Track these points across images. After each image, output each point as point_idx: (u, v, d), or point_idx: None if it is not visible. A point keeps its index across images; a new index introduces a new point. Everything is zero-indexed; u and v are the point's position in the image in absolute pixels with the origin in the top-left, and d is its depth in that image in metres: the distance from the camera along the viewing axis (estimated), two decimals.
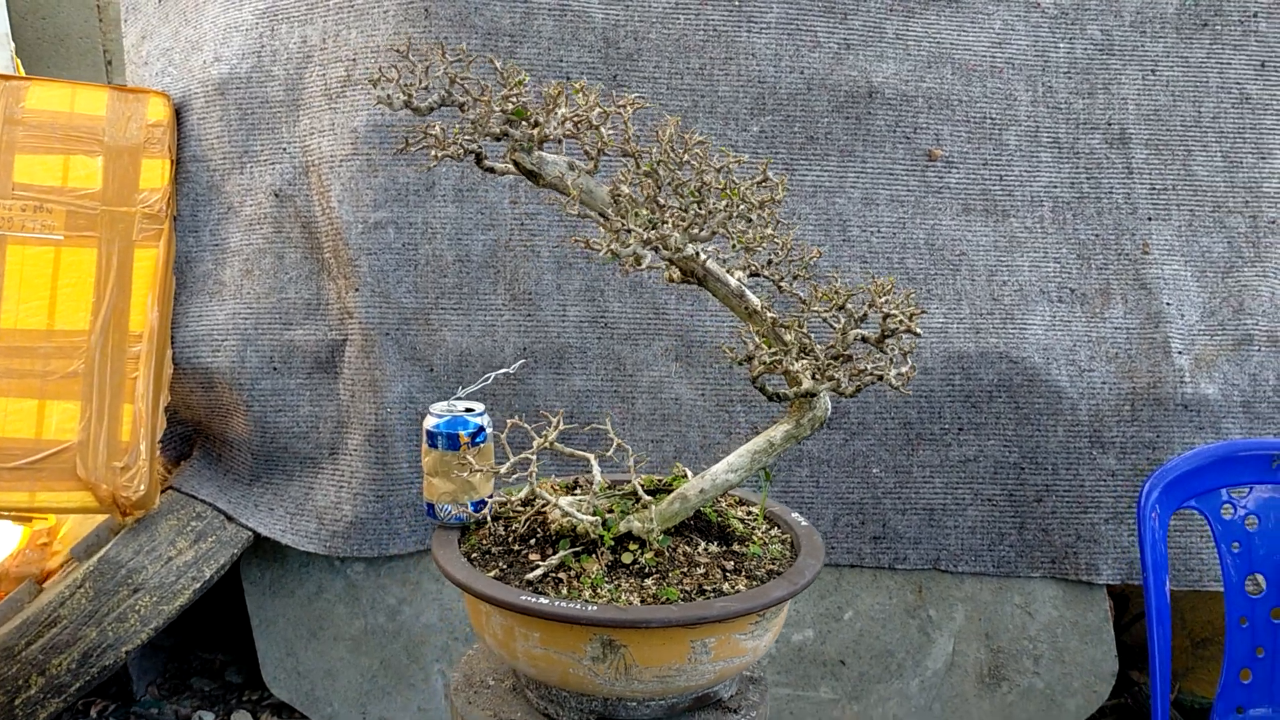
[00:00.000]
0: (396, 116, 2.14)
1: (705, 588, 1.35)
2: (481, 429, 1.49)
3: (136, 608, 2.04)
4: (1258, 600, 1.74)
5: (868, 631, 2.26)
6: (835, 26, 2.23)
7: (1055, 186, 2.27)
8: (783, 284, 1.50)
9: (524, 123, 1.24)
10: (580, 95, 1.37)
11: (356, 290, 2.17)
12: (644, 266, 1.20)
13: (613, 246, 1.18)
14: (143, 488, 2.09)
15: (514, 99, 1.23)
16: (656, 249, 1.23)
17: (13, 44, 3.05)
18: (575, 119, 1.36)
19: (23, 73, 3.17)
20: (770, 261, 1.52)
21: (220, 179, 2.31)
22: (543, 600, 1.30)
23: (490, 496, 1.50)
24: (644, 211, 1.25)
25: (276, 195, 2.26)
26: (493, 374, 1.58)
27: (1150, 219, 2.27)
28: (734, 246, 1.44)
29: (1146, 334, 2.21)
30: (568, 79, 2.19)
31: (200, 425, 2.36)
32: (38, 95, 2.21)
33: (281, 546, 2.25)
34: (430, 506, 1.50)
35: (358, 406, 2.20)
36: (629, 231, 1.21)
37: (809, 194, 2.23)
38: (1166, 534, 1.69)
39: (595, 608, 1.28)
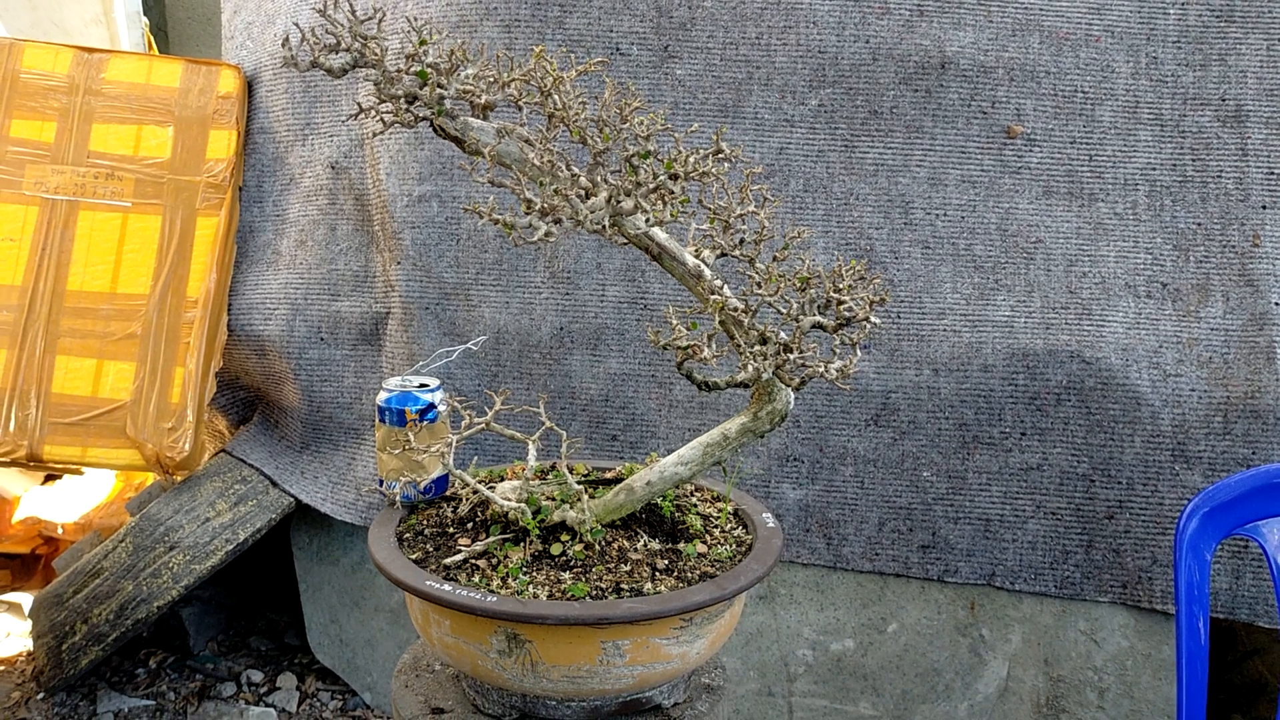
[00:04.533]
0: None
1: (623, 587, 1.26)
2: (431, 406, 1.44)
3: (170, 565, 2.10)
4: None
5: (913, 647, 2.09)
6: None
7: (1154, 168, 2.03)
8: (757, 265, 1.39)
9: (425, 86, 1.17)
10: (537, 59, 1.29)
11: (399, 263, 2.16)
12: (536, 239, 1.12)
13: (495, 216, 1.10)
14: (187, 448, 2.14)
15: (417, 60, 1.17)
16: (560, 220, 1.15)
17: (145, 20, 3.20)
18: (531, 81, 1.29)
19: (155, 50, 3.33)
20: (743, 241, 1.41)
21: (284, 150, 2.35)
22: (445, 587, 1.24)
23: (438, 476, 1.45)
24: (552, 176, 1.16)
25: (333, 167, 2.28)
26: (456, 349, 1.52)
27: (1265, 207, 2.00)
28: (691, 220, 1.34)
29: (1248, 337, 1.95)
30: (617, 50, 2.11)
31: (259, 391, 2.41)
32: (117, 67, 2.30)
33: (328, 515, 2.27)
34: (381, 483, 1.47)
35: None
36: (527, 201, 1.13)
37: (869, 173, 2.07)
38: (1209, 565, 1.47)
39: (495, 599, 1.21)
